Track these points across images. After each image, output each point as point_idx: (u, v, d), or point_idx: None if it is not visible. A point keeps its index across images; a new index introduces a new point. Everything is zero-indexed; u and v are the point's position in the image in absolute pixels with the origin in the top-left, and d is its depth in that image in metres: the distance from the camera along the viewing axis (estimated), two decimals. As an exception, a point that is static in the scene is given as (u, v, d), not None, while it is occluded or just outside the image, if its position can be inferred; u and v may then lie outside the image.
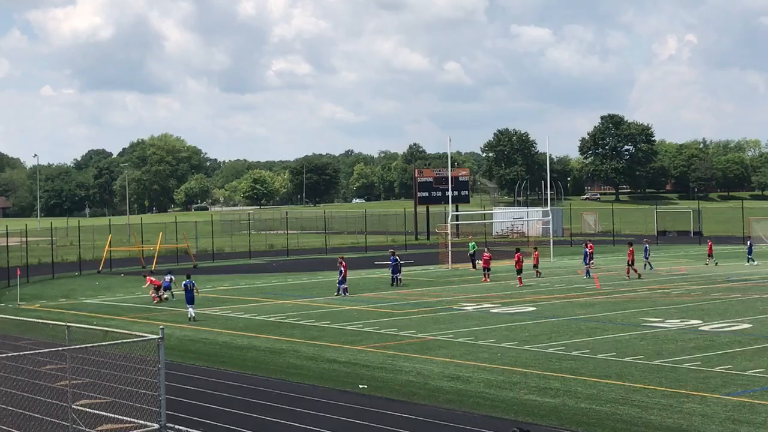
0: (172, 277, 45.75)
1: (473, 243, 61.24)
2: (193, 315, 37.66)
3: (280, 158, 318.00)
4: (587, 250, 51.06)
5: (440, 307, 39.29)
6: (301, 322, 36.08)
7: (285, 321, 36.67)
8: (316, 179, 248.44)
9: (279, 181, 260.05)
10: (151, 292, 44.97)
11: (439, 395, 22.69)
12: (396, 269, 49.44)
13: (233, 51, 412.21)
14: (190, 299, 38.23)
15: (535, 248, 54.45)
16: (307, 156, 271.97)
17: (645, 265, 53.25)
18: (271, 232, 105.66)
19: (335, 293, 44.96)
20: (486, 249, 53.05)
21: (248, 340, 32.37)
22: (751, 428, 18.71)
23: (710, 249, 58.98)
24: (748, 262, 56.78)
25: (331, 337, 32.09)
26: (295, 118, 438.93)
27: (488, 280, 49.42)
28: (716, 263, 56.90)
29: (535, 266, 51.86)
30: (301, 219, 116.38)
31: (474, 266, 57.05)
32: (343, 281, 45.06)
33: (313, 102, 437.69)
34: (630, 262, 49.77)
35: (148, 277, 47.29)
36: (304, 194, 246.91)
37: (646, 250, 54.51)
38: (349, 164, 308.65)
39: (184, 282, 39.29)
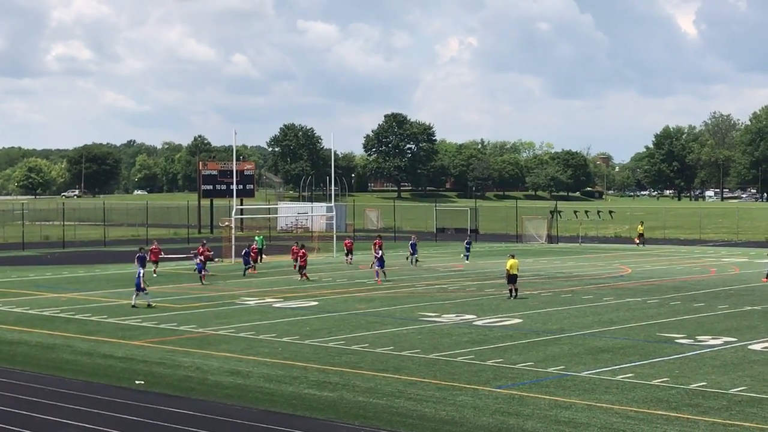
0: None
1: (260, 237, 61.11)
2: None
3: (57, 146, 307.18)
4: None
5: (222, 302, 38.95)
6: (76, 317, 34.94)
7: (59, 315, 35.42)
8: (96, 169, 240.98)
9: (56, 170, 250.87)
10: None
11: (218, 390, 22.49)
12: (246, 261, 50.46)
13: (9, 33, 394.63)
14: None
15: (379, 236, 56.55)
16: (86, 145, 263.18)
17: (411, 259, 55.33)
18: (47, 222, 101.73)
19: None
20: (296, 243, 52.75)
21: (19, 334, 31.06)
22: (520, 420, 19.51)
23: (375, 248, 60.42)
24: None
25: (108, 332, 31.25)
26: (75, 106, 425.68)
27: (306, 276, 48.14)
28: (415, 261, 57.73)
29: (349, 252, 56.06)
30: (79, 210, 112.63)
31: (260, 260, 57.02)
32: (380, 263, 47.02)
33: (95, 89, 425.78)
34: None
35: None
36: (83, 184, 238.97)
37: (413, 246, 56.16)
38: (131, 155, 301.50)
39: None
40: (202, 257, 47.10)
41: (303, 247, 50.03)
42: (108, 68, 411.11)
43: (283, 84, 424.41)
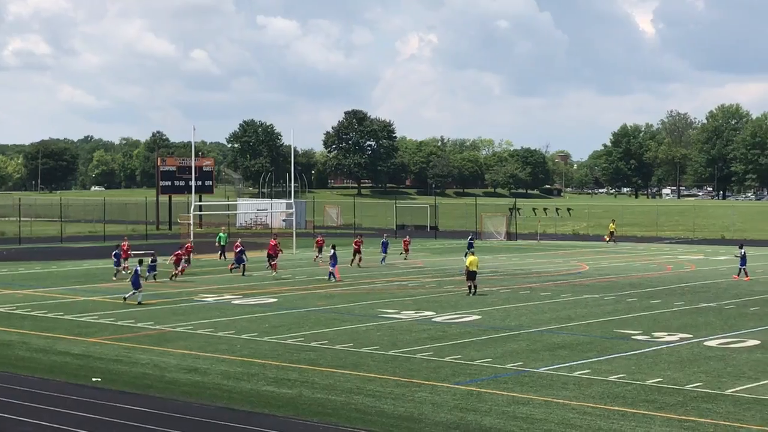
0: None
1: (223, 234, 60.84)
2: None
3: (13, 142, 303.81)
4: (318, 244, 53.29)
5: (180, 299, 38.74)
6: (32, 313, 34.58)
7: (15, 312, 35.03)
8: (53, 165, 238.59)
9: (12, 165, 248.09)
10: None
11: (175, 387, 22.36)
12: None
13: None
14: None
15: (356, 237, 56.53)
16: (43, 140, 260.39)
17: (382, 258, 54.89)
18: (3, 219, 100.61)
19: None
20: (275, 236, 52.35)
21: (-27, 332, 30.68)
22: (478, 416, 19.59)
23: (406, 245, 59.84)
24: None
25: (64, 329, 30.97)
26: (31, 101, 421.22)
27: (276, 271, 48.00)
28: (405, 258, 57.74)
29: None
30: (36, 206, 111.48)
31: (222, 257, 56.77)
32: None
33: (52, 84, 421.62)
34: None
35: None
36: (39, 180, 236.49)
37: (384, 245, 55.71)
38: (88, 150, 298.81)
39: None
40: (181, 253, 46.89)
41: (276, 237, 50.25)
42: (65, 63, 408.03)
43: (243, 80, 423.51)
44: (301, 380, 22.96)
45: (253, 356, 26.10)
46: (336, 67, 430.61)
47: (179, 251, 47.23)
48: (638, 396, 21.21)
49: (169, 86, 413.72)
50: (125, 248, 49.06)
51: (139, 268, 37.67)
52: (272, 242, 49.50)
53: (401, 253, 58.56)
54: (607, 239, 76.14)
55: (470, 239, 61.95)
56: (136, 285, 37.10)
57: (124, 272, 46.25)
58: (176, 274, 45.44)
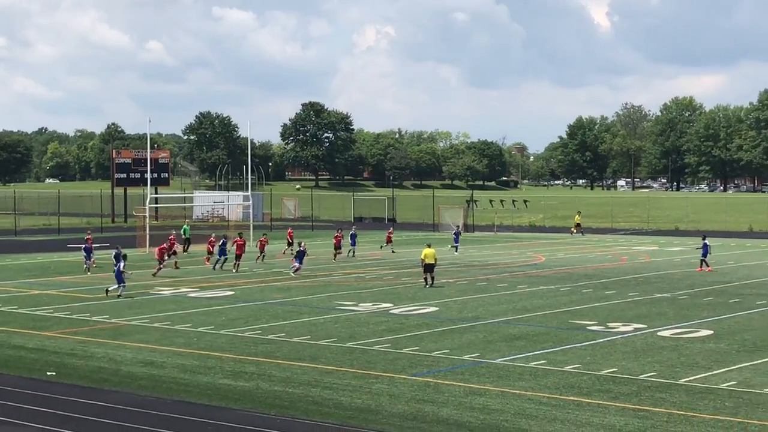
0: None
1: (186, 227, 60.55)
2: None
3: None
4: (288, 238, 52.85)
5: (136, 292, 38.45)
6: (-15, 308, 34.20)
7: (-33, 306, 34.63)
8: (6, 157, 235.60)
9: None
10: None
11: (131, 381, 22.24)
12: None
13: None
14: None
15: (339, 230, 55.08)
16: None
17: (350, 251, 54.49)
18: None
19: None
20: (240, 234, 50.90)
21: (-75, 326, 30.28)
22: (435, 407, 19.69)
23: (389, 237, 59.49)
24: (451, 248, 58.00)
25: (19, 323, 30.67)
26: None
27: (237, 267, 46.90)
28: (393, 251, 57.32)
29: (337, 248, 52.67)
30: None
31: (185, 250, 56.45)
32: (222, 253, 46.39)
33: (5, 76, 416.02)
34: (336, 246, 52.48)
35: None
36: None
37: (353, 236, 55.06)
38: (42, 142, 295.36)
39: None
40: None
41: (241, 235, 49.65)
42: (19, 54, 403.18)
43: (199, 71, 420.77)
44: (259, 373, 22.93)
45: (209, 349, 26.00)
46: (293, 59, 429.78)
47: (163, 245, 46.54)
48: (593, 386, 21.42)
49: (125, 78, 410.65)
50: (90, 242, 48.60)
51: (122, 264, 37.08)
52: (239, 241, 48.05)
53: (381, 247, 58.04)
54: (574, 231, 76.45)
55: (455, 232, 60.75)
56: (119, 279, 36.80)
57: (94, 265, 45.94)
58: (160, 268, 44.63)
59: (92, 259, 46.48)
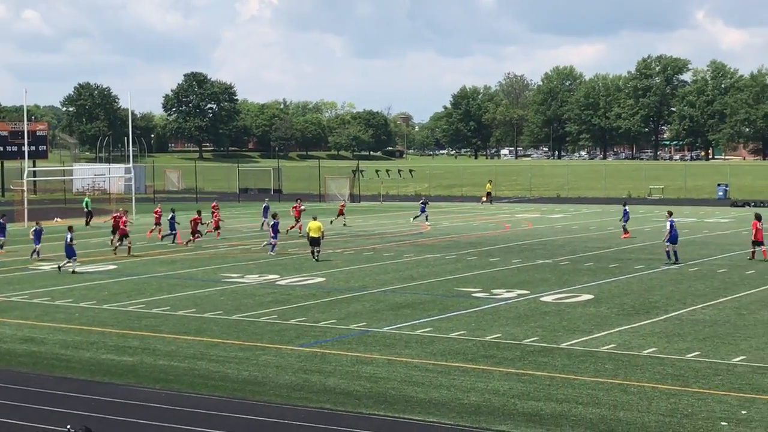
0: None
1: (87, 199, 59.24)
2: None
3: None
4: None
5: (14, 267, 37.47)
6: None
7: None
8: None
9: None
10: None
11: (11, 358, 21.70)
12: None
13: None
14: None
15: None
16: None
17: (263, 223, 53.05)
18: None
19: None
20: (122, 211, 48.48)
21: None
22: (322, 377, 19.72)
23: (297, 212, 57.52)
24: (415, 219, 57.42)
25: None
26: None
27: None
28: (344, 224, 55.64)
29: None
30: None
31: (87, 223, 55.03)
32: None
33: None
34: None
35: None
36: None
37: (265, 209, 52.83)
38: None
39: None
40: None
41: (126, 212, 47.37)
42: None
43: (78, 41, 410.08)
44: (143, 347, 22.61)
45: (92, 324, 25.52)
46: (174, 28, 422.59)
47: (196, 216, 45.39)
48: (478, 352, 21.75)
49: (0, 48, 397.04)
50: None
51: (69, 236, 35.80)
52: (120, 217, 46.12)
53: (332, 221, 54.23)
54: (484, 200, 77.01)
55: (422, 203, 59.58)
56: (70, 253, 35.70)
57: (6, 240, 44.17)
58: (192, 240, 44.60)
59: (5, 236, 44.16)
